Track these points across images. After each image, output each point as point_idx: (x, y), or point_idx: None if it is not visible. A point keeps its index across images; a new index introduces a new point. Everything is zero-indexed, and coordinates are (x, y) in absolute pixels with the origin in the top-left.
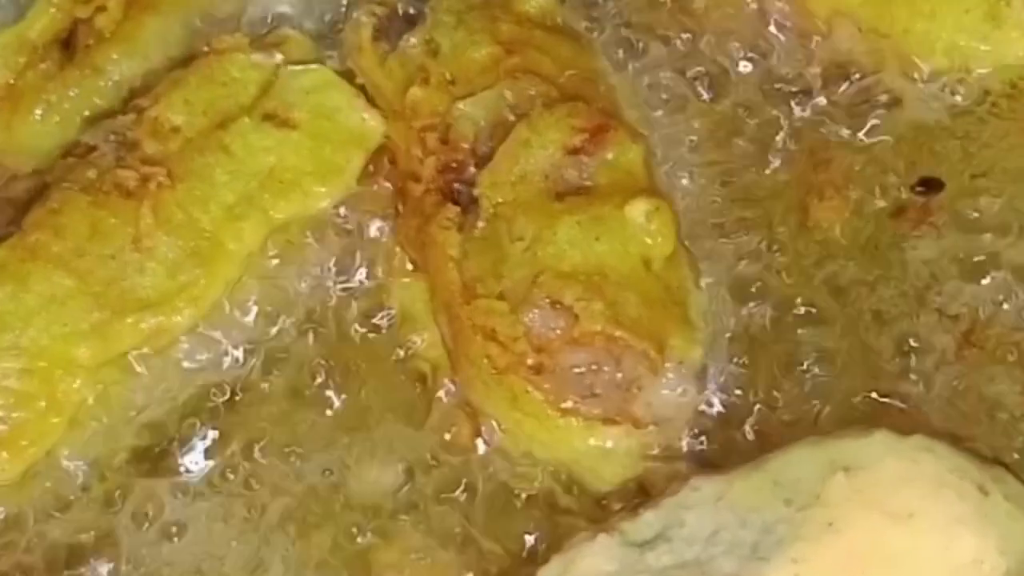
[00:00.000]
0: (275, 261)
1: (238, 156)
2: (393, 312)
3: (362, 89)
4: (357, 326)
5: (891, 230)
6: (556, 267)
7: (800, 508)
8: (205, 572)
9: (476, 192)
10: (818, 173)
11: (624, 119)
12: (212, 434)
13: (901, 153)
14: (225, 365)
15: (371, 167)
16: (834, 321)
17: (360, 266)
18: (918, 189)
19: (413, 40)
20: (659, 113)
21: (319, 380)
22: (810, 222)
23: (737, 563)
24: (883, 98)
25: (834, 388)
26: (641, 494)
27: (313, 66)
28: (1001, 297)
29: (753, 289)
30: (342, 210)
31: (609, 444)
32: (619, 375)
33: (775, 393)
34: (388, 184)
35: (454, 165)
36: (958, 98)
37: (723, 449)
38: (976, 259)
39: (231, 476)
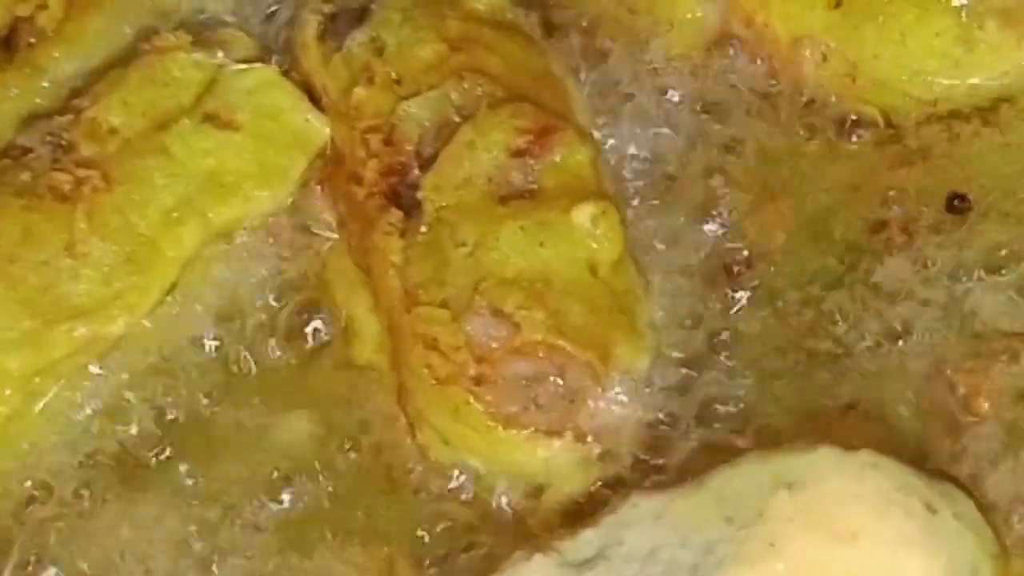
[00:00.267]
0: (214, 266)
1: (177, 158)
2: (338, 319)
3: (307, 89)
4: (300, 332)
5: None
6: (499, 274)
7: (742, 526)
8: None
9: (419, 196)
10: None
11: (574, 120)
12: (152, 441)
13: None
14: (161, 374)
15: (315, 170)
16: (783, 332)
17: (303, 272)
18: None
19: (359, 38)
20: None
21: (261, 388)
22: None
23: None
24: (852, 121)
25: (782, 400)
26: (581, 510)
27: (257, 65)
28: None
29: (702, 298)
30: (284, 215)
31: (551, 457)
32: (563, 386)
33: (722, 405)
34: (333, 187)
35: (397, 167)
36: (929, 122)
37: (669, 462)
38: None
39: (168, 491)
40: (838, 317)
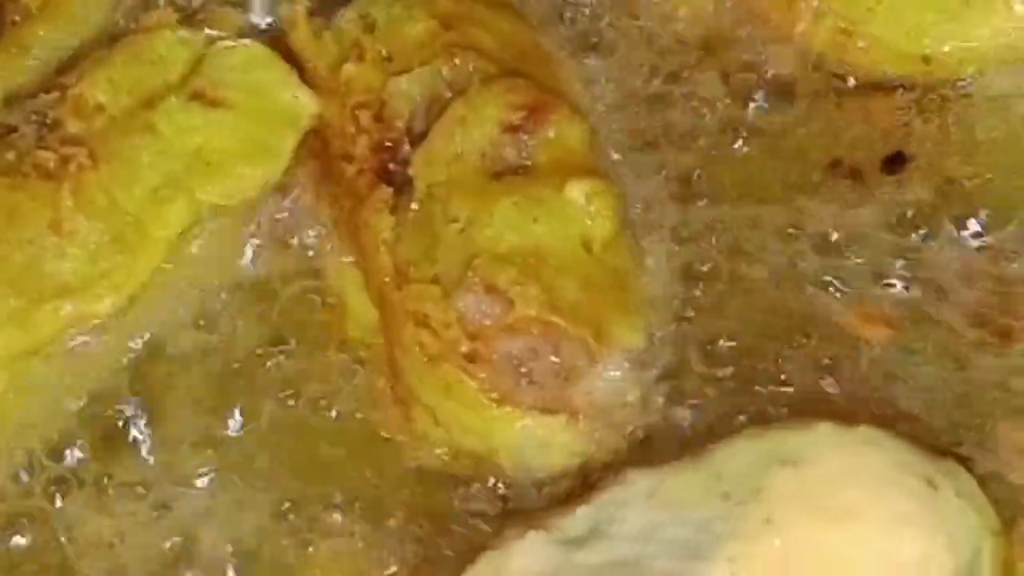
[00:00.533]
0: (202, 245)
1: (165, 136)
2: (328, 298)
3: (296, 66)
4: (290, 312)
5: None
6: (492, 250)
7: (738, 503)
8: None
9: (410, 172)
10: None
11: (566, 96)
12: (139, 423)
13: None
14: (151, 353)
15: (304, 147)
16: (782, 309)
17: (292, 250)
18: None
19: (349, 14)
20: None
21: (251, 368)
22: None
23: (672, 561)
24: (849, 82)
25: (778, 377)
26: (577, 487)
27: (245, 42)
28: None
29: (699, 273)
30: (274, 192)
31: (546, 435)
32: (556, 363)
33: (718, 382)
34: (322, 164)
35: (388, 144)
36: (922, 79)
37: (664, 439)
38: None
39: (152, 474)
40: (838, 289)
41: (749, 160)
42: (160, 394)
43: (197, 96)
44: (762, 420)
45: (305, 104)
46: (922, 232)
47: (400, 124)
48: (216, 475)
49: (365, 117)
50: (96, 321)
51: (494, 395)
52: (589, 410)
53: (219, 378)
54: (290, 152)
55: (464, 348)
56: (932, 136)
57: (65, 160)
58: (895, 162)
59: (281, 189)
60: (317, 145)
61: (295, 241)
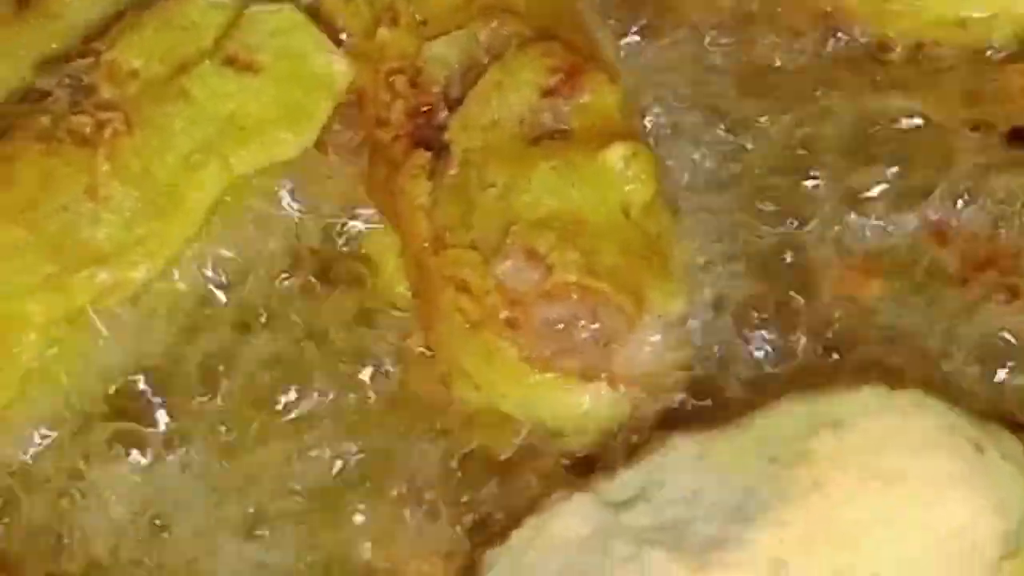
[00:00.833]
0: (239, 210)
1: (198, 102)
2: (363, 265)
3: (329, 31)
4: (326, 277)
5: None
6: (530, 215)
7: (785, 467)
8: (166, 532)
9: (447, 137)
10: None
11: (602, 60)
12: (174, 390)
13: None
14: (184, 320)
15: (338, 113)
16: (825, 271)
17: (327, 216)
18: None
19: None
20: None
21: (286, 335)
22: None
23: (718, 525)
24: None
25: (822, 341)
26: (619, 452)
27: (277, 7)
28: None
29: (738, 238)
30: (308, 158)
31: (586, 400)
32: (596, 329)
33: (761, 346)
34: (357, 131)
35: (424, 109)
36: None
37: (706, 405)
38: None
39: (195, 435)
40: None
41: (785, 123)
42: (197, 362)
43: (230, 61)
44: (806, 384)
45: (339, 70)
46: None
47: (436, 89)
48: (255, 443)
49: (400, 82)
50: (131, 287)
51: (534, 361)
52: (628, 375)
53: (256, 345)
54: (323, 117)
55: (504, 314)
56: None
57: (100, 125)
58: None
59: (315, 154)
60: (351, 110)
61: (329, 207)
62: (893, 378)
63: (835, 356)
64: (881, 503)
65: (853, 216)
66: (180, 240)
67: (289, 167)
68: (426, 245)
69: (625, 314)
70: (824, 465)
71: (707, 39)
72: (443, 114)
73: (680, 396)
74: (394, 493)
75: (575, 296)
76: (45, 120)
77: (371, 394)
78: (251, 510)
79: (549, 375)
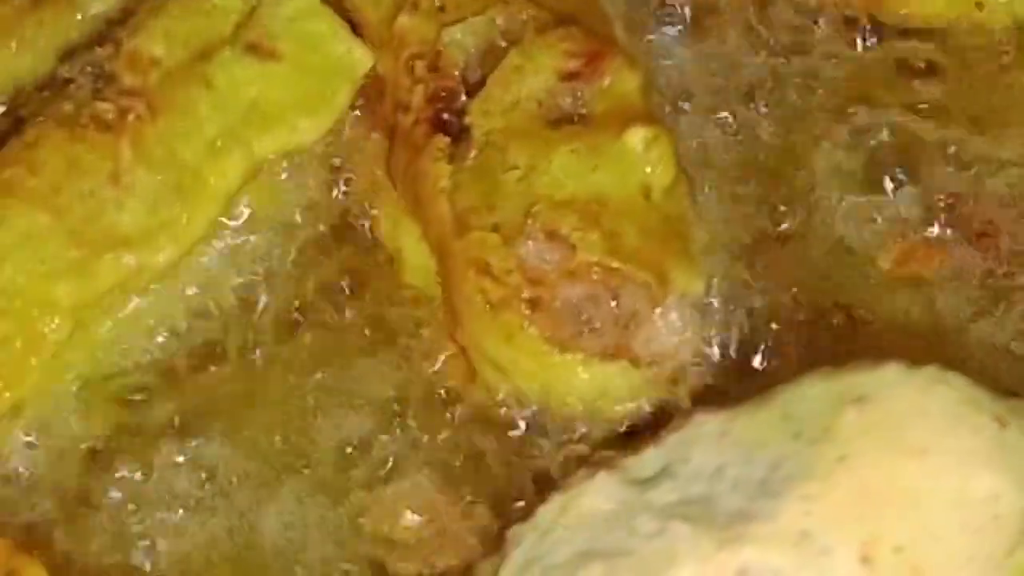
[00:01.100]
0: (260, 196)
1: (220, 89)
2: (383, 248)
3: (348, 18)
4: (346, 264)
5: None
6: (551, 197)
7: (809, 443)
8: (189, 516)
9: (467, 121)
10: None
11: (620, 44)
12: (196, 373)
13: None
14: (207, 304)
15: (358, 99)
16: (844, 250)
17: (349, 202)
18: None
19: None
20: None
21: (306, 318)
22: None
23: (744, 500)
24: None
25: (842, 319)
26: (643, 430)
27: None
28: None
29: (756, 220)
30: (329, 144)
31: (609, 380)
32: (618, 309)
33: (782, 325)
34: (376, 116)
35: (444, 94)
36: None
37: (728, 383)
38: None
39: (214, 419)
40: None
41: (802, 105)
42: (219, 345)
43: (251, 48)
44: (828, 361)
45: (358, 56)
46: None
47: (456, 74)
48: (276, 424)
49: (420, 68)
50: (155, 272)
51: (556, 341)
52: (650, 355)
53: (276, 329)
54: (344, 103)
55: (526, 294)
56: None
57: (123, 112)
58: None
59: (336, 140)
60: (371, 96)
61: (350, 191)
62: (914, 354)
63: (855, 332)
64: (905, 477)
65: (867, 199)
66: (203, 225)
67: (310, 152)
68: (448, 228)
69: (647, 294)
70: (848, 440)
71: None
72: (463, 98)
73: (702, 374)
74: (415, 473)
75: (597, 276)
76: (68, 107)
77: (393, 377)
78: (267, 482)
79: (571, 355)
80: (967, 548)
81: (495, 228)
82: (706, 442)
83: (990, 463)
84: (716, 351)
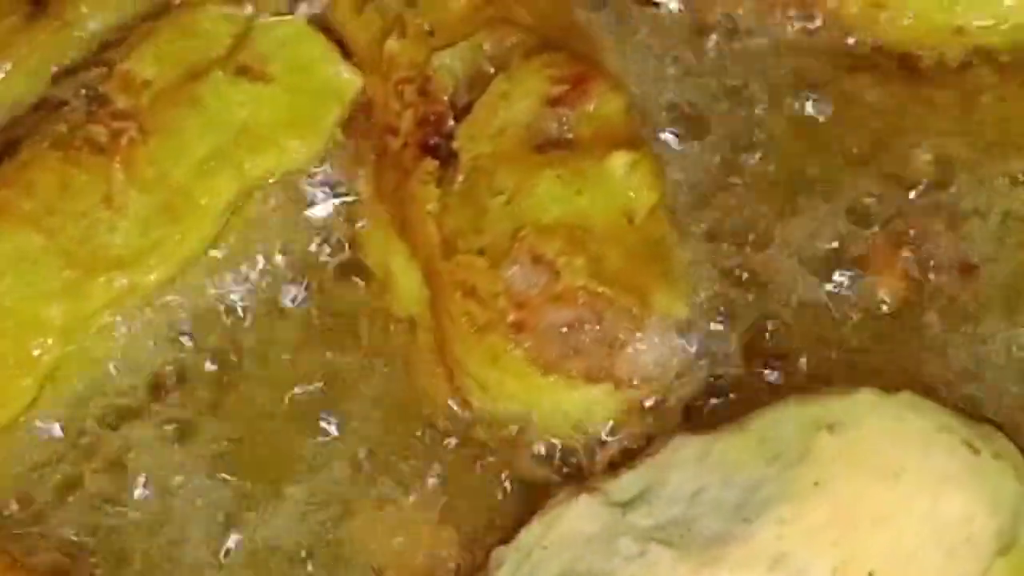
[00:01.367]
0: (250, 217)
1: (211, 110)
2: (371, 269)
3: (338, 41)
4: (334, 283)
5: None
6: (537, 221)
7: (785, 467)
8: (177, 529)
9: (455, 146)
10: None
11: (605, 69)
12: (187, 392)
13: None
14: (198, 324)
15: (347, 121)
16: (820, 280)
17: (337, 222)
18: None
19: None
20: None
21: (293, 337)
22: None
23: (721, 523)
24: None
25: (821, 345)
26: (624, 453)
27: (287, 18)
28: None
29: (738, 245)
30: (317, 165)
31: (592, 402)
32: (602, 332)
33: (761, 349)
34: (365, 138)
35: (432, 118)
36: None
37: (707, 407)
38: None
39: (204, 437)
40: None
41: (786, 130)
42: (207, 363)
43: (242, 71)
44: (804, 387)
45: (347, 79)
46: None
47: (445, 98)
48: (257, 444)
49: (409, 92)
50: (147, 292)
51: (541, 363)
52: (633, 377)
53: (265, 348)
54: (333, 126)
55: (511, 317)
56: None
57: (116, 134)
58: None
59: (325, 162)
60: (360, 118)
61: (339, 213)
62: (888, 381)
63: (832, 359)
64: (880, 499)
65: (849, 225)
66: (195, 244)
67: (299, 174)
68: (435, 251)
69: (630, 317)
70: (824, 464)
71: (706, 43)
72: (451, 123)
73: (683, 398)
74: (400, 494)
75: (582, 300)
76: (62, 128)
77: (379, 397)
78: (256, 500)
79: (554, 377)
80: (941, 570)
81: (482, 252)
82: (685, 465)
83: (962, 485)
84: (697, 374)
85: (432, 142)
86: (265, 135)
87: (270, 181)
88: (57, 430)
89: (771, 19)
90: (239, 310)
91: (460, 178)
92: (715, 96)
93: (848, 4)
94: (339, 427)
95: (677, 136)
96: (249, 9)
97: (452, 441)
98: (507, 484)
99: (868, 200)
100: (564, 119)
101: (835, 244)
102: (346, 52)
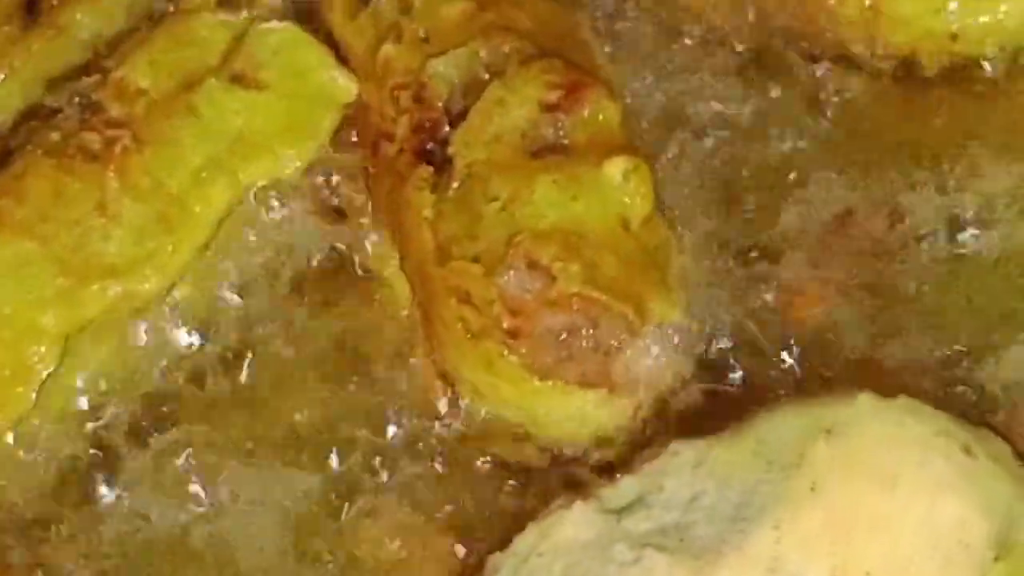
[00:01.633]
0: (244, 223)
1: (206, 118)
2: (366, 275)
3: (333, 47)
4: (328, 289)
5: None
6: (532, 228)
7: (782, 471)
8: (177, 541)
9: (450, 152)
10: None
11: (601, 75)
12: (184, 401)
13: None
14: (196, 332)
15: (342, 128)
16: (820, 281)
17: (332, 228)
18: None
19: None
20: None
21: (289, 344)
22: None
23: (718, 528)
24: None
25: (818, 350)
26: (619, 459)
27: (282, 25)
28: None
29: (734, 249)
30: (313, 172)
31: (587, 408)
32: (597, 338)
33: (757, 356)
34: (360, 145)
35: (428, 124)
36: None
37: (704, 412)
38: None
39: (201, 446)
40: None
41: (777, 136)
42: (203, 373)
43: (237, 78)
44: (800, 392)
45: (343, 85)
46: None
47: (440, 104)
48: (259, 450)
49: (405, 98)
50: (141, 300)
51: (536, 370)
52: (628, 383)
53: (260, 358)
54: (328, 132)
55: (506, 324)
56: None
57: (110, 142)
58: None
59: (320, 168)
60: (355, 125)
61: (334, 220)
62: (883, 386)
63: (827, 366)
64: (876, 504)
65: (841, 233)
66: (189, 253)
67: (294, 180)
68: (430, 257)
69: (626, 324)
70: (820, 469)
71: (700, 47)
72: (445, 129)
73: (678, 402)
74: (396, 500)
75: (577, 306)
76: (55, 136)
77: (375, 403)
78: (252, 512)
79: (550, 383)
80: (936, 575)
81: (477, 258)
82: (681, 471)
83: (958, 491)
84: (692, 380)
85: (427, 148)
86: (260, 142)
87: (265, 187)
88: (48, 439)
89: (772, 28)
90: (233, 317)
91: (455, 184)
92: (711, 101)
93: (845, 9)
94: (334, 434)
95: (675, 141)
96: (244, 15)
97: (447, 447)
98: (502, 490)
99: (871, 203)
100: (560, 125)
101: (827, 254)
102: (341, 58)
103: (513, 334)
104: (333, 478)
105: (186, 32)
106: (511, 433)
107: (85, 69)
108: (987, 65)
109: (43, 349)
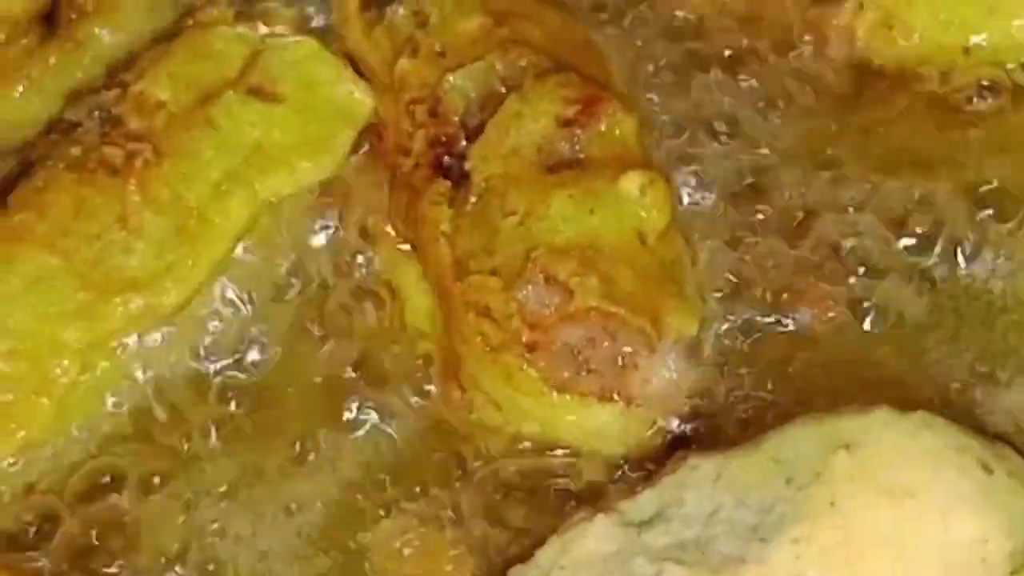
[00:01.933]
0: (264, 238)
1: (224, 131)
2: (384, 289)
3: (350, 61)
4: (348, 303)
5: None
6: (550, 242)
7: (800, 486)
8: (200, 549)
9: (467, 166)
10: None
11: (617, 89)
12: (207, 412)
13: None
14: (216, 345)
15: (359, 141)
16: (830, 298)
17: (350, 242)
18: None
19: (401, 10)
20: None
21: (310, 358)
22: None
23: (737, 543)
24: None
25: (835, 364)
26: (639, 472)
27: (299, 38)
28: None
29: (752, 263)
30: (331, 186)
31: (605, 421)
32: (615, 352)
33: (774, 369)
34: (377, 159)
35: (444, 139)
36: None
37: (722, 426)
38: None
39: (219, 456)
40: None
41: (791, 148)
42: (220, 386)
43: (254, 91)
44: (820, 405)
45: (360, 99)
46: None
47: (456, 119)
48: (277, 470)
49: (421, 112)
50: (162, 313)
51: (554, 383)
52: (646, 397)
53: (280, 372)
54: (346, 146)
55: (525, 337)
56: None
57: (130, 156)
58: None
59: (337, 182)
60: (372, 138)
61: (352, 233)
62: (901, 400)
63: (844, 378)
64: (894, 519)
65: (856, 243)
66: (209, 265)
67: (312, 194)
68: (447, 271)
69: (643, 337)
70: (838, 484)
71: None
72: (463, 143)
73: (696, 417)
74: (418, 513)
75: (595, 320)
76: (76, 151)
77: (394, 417)
78: (272, 523)
79: (568, 396)
80: None
81: (494, 272)
82: (700, 485)
83: (976, 506)
84: (710, 393)
85: (444, 163)
86: (277, 156)
87: (282, 201)
88: (77, 450)
89: (786, 44)
90: (253, 331)
91: (472, 199)
92: (728, 115)
93: (857, 25)
94: (349, 447)
95: (692, 155)
96: (263, 30)
97: (467, 461)
98: (523, 504)
99: (883, 221)
100: (576, 139)
101: (845, 264)
102: (358, 72)
103: (532, 348)
104: (350, 492)
105: (204, 46)
106: (530, 446)
107: (105, 83)
108: (1003, 80)
109: (65, 362)
